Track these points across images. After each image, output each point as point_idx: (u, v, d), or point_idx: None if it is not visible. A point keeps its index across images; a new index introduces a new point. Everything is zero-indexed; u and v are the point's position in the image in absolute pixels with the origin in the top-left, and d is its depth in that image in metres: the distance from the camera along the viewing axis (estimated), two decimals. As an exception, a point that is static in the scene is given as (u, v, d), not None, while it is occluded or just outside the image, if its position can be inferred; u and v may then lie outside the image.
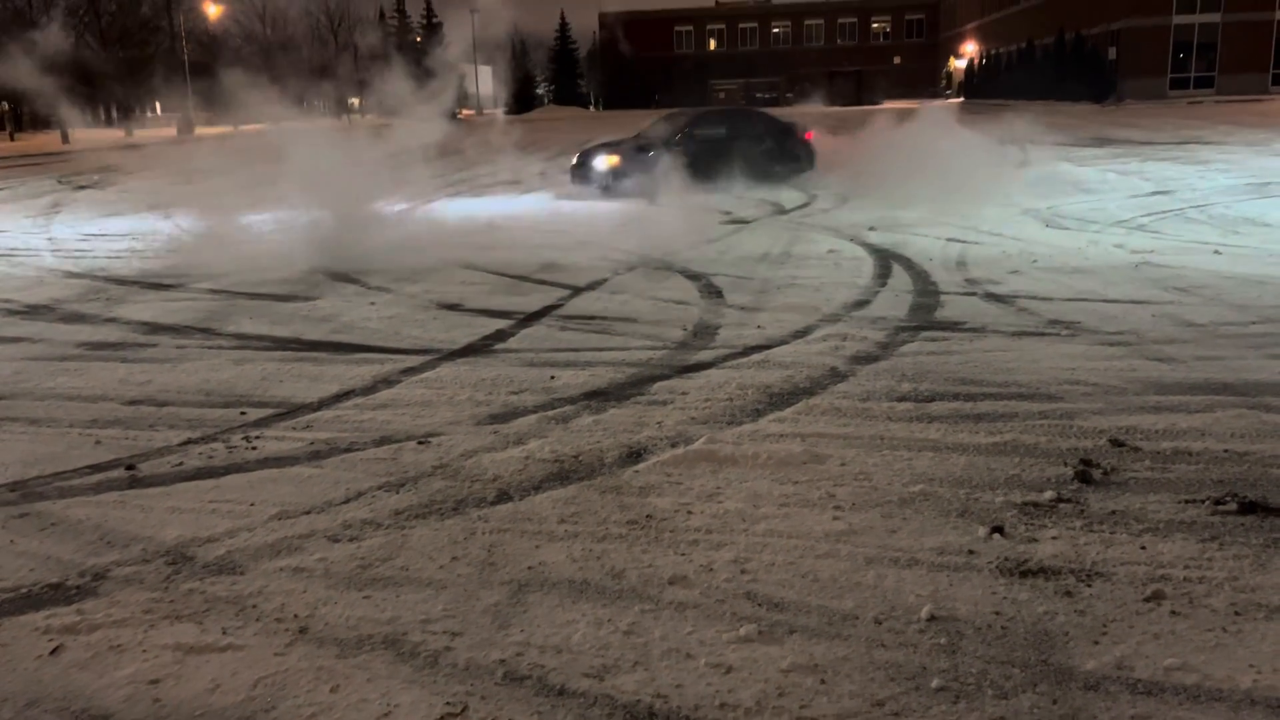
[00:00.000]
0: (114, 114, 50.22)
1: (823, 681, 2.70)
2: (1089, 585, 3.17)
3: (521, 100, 72.86)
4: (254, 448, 4.67)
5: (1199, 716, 2.52)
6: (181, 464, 4.49)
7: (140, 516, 3.91)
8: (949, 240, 10.21)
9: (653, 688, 2.70)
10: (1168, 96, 45.00)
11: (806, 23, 79.44)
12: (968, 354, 5.89)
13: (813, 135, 17.67)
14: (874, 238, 10.62)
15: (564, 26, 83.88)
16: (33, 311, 8.15)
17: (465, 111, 55.59)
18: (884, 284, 8.14)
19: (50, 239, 12.75)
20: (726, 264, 9.34)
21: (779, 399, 5.14)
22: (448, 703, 2.66)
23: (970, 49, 68.12)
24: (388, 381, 5.71)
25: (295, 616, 3.11)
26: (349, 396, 5.44)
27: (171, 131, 48.09)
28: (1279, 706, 2.54)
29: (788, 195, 15.25)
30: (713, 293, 8.01)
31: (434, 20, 71.04)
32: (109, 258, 10.95)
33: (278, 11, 58.95)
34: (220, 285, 8.92)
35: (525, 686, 2.72)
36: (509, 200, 16.08)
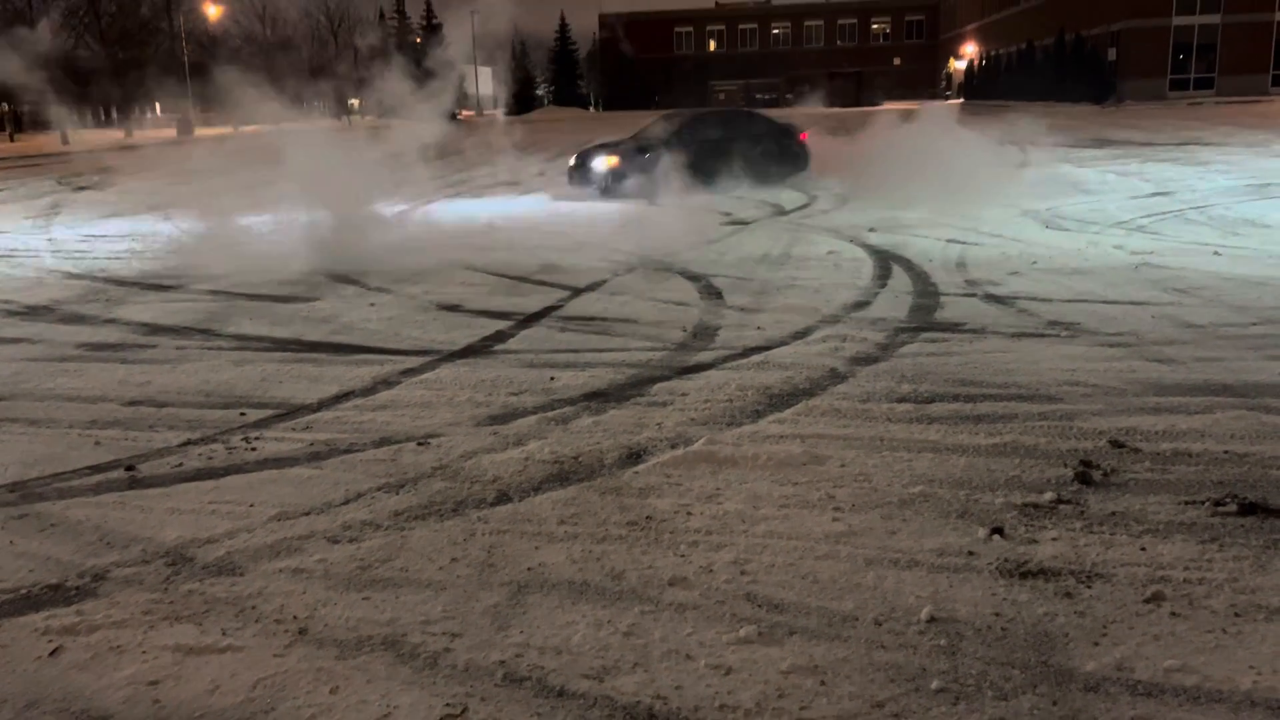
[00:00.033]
0: (113, 115, 50.23)
1: (822, 683, 2.70)
2: (1089, 586, 3.17)
3: (521, 101, 72.89)
4: (254, 449, 4.67)
5: (1199, 718, 2.52)
6: (181, 465, 4.49)
7: (140, 517, 3.91)
8: (949, 241, 10.22)
9: (652, 689, 2.70)
10: (1167, 98, 45.01)
11: (806, 24, 79.47)
12: (967, 355, 5.89)
13: (807, 136, 17.82)
14: (874, 239, 10.62)
15: (564, 27, 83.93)
16: (32, 312, 8.15)
17: (465, 112, 55.59)
18: (884, 285, 8.14)
19: (50, 240, 12.75)
20: (726, 265, 9.34)
21: (779, 400, 5.14)
22: (447, 704, 2.65)
23: (970, 50, 68.14)
24: (387, 382, 5.71)
25: (295, 618, 3.11)
26: (349, 397, 5.44)
27: (171, 132, 48.10)
28: (1279, 708, 2.54)
29: (787, 196, 15.26)
30: (712, 294, 8.01)
31: (434, 21, 71.03)
32: (109, 259, 10.95)
33: (277, 12, 59.01)
34: (220, 286, 8.92)
35: (525, 688, 2.72)
36: (508, 201, 16.09)
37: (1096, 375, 5.39)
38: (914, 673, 2.73)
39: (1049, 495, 3.84)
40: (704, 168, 15.74)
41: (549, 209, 14.84)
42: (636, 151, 16.11)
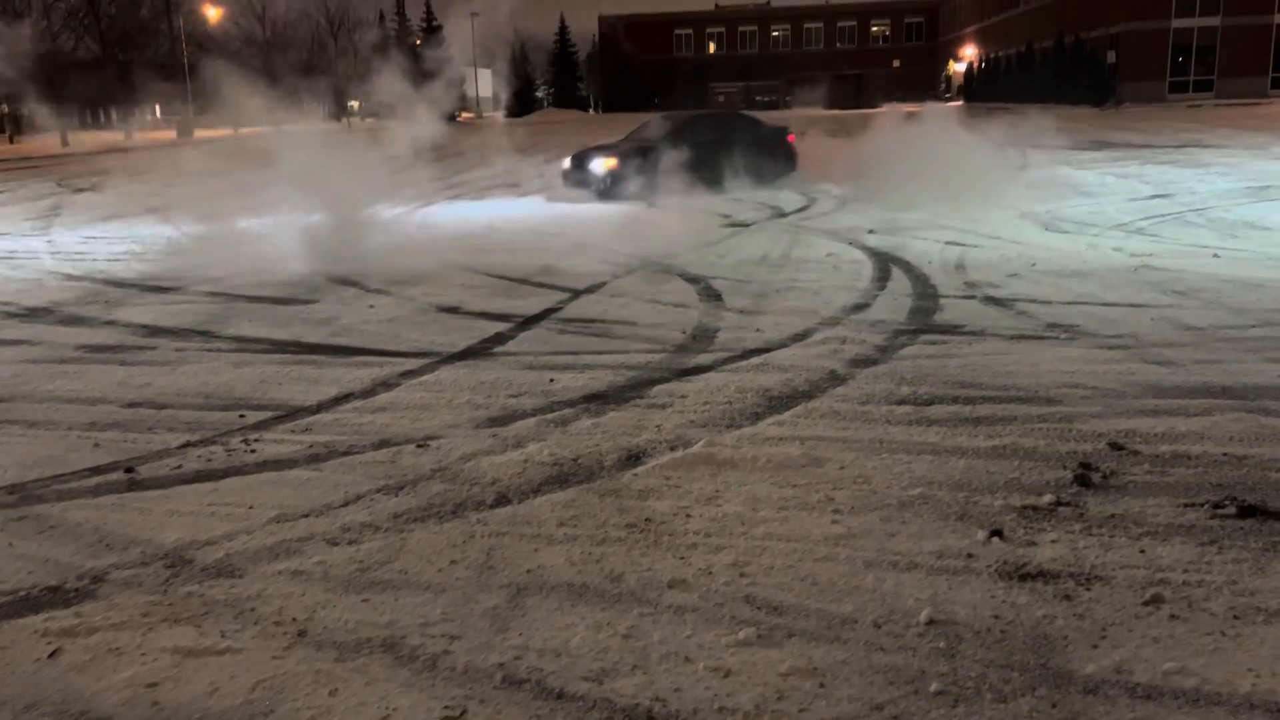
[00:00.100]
0: (113, 117, 50.25)
1: (822, 685, 2.70)
2: (1088, 589, 3.17)
3: (521, 103, 72.90)
4: (253, 451, 4.67)
5: (1198, 720, 2.52)
6: (180, 467, 4.49)
7: (139, 519, 3.91)
8: (948, 243, 10.22)
9: (651, 691, 2.70)
10: (1167, 100, 45.03)
11: (806, 26, 79.49)
12: (967, 357, 5.90)
13: (795, 138, 18.28)
14: (873, 241, 10.63)
15: (564, 29, 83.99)
16: (32, 314, 8.15)
17: (465, 114, 55.63)
18: (883, 287, 8.15)
19: (50, 242, 12.76)
20: (726, 267, 9.34)
21: (778, 402, 5.14)
22: (446, 706, 2.65)
23: (969, 52, 68.16)
24: (387, 384, 5.70)
25: (294, 620, 3.11)
26: (348, 399, 5.44)
27: (171, 134, 48.11)
28: (1278, 710, 2.54)
29: (786, 198, 15.27)
30: (712, 296, 8.01)
31: (434, 23, 71.07)
32: (108, 260, 10.95)
33: (277, 14, 59.01)
34: (219, 288, 8.92)
35: (524, 690, 2.72)
36: (507, 203, 16.10)
37: (1096, 377, 5.39)
38: (913, 675, 2.73)
39: (1048, 497, 3.84)
40: (697, 168, 15.89)
41: (548, 211, 14.84)
42: (633, 154, 16.17)
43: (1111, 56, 46.72)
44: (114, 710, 2.69)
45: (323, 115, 39.16)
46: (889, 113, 20.18)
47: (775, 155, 17.45)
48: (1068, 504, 3.80)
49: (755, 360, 5.98)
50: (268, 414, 5.22)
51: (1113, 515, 3.69)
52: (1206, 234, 10.41)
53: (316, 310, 7.89)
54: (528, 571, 3.40)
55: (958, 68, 70.69)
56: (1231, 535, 3.51)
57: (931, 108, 21.70)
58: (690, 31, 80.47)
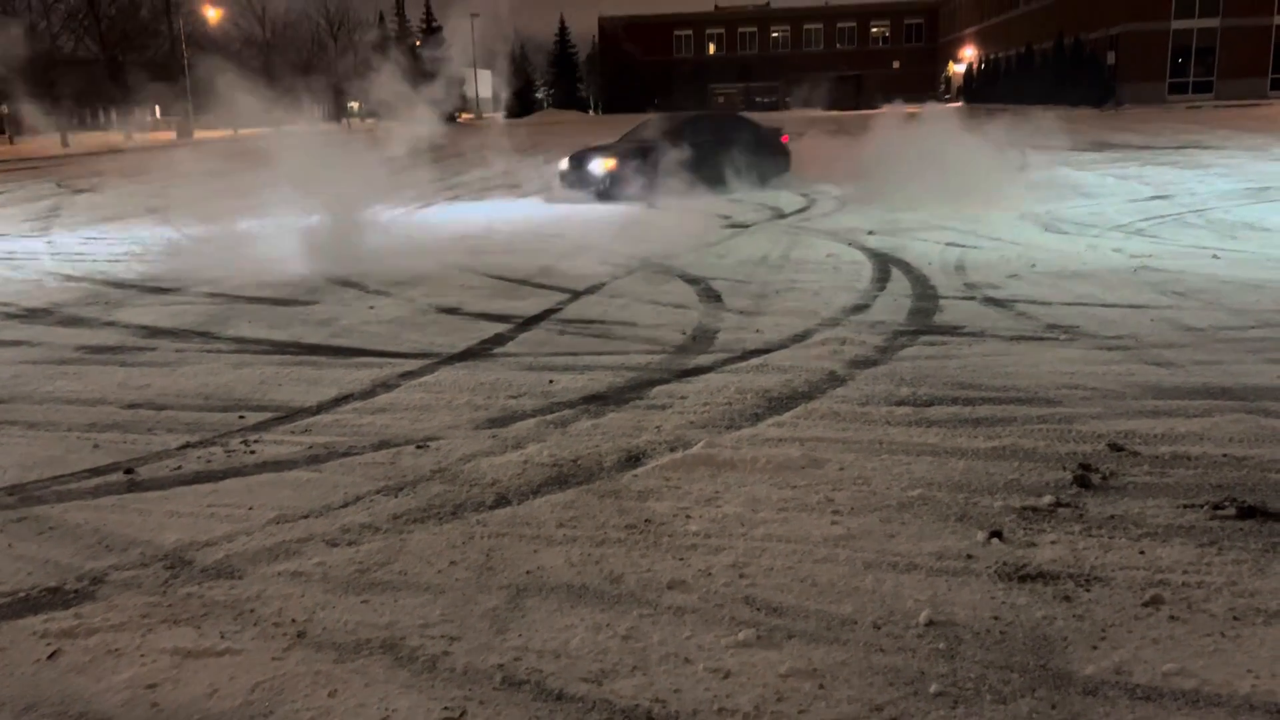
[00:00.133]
0: (113, 118, 50.25)
1: (821, 686, 2.70)
2: (1088, 590, 3.17)
3: (521, 104, 72.94)
4: (252, 452, 4.67)
5: (1197, 722, 2.52)
6: (180, 468, 4.49)
7: (138, 520, 3.91)
8: (948, 245, 10.22)
9: (651, 692, 2.70)
10: (1166, 101, 45.06)
11: (805, 27, 79.58)
12: (966, 358, 5.90)
13: (788, 138, 18.44)
14: (873, 242, 10.63)
15: (563, 30, 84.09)
16: (31, 315, 8.15)
17: (465, 115, 55.63)
18: (883, 288, 8.15)
19: (49, 242, 12.76)
20: (725, 268, 9.34)
21: (778, 403, 5.14)
22: (446, 707, 2.65)
23: (969, 53, 68.21)
24: (386, 385, 5.70)
25: (293, 621, 3.11)
26: (348, 400, 5.44)
27: (171, 135, 48.13)
28: (1278, 712, 2.54)
29: (786, 199, 15.27)
30: (711, 297, 8.01)
31: (434, 24, 71.10)
32: (108, 261, 10.95)
33: (277, 15, 59.05)
34: (219, 289, 8.92)
35: (523, 691, 2.72)
36: (507, 204, 16.11)
37: (1095, 378, 5.39)
38: (913, 676, 2.73)
39: (1048, 498, 3.84)
40: (693, 169, 16.00)
41: (547, 212, 14.85)
42: (631, 154, 16.22)
43: (1111, 57, 46.75)
44: (113, 711, 2.69)
45: (322, 116, 39.16)
46: (889, 113, 20.18)
47: (769, 156, 17.58)
48: (1067, 505, 3.80)
49: (755, 361, 5.98)
50: (267, 415, 5.22)
51: (1112, 516, 3.69)
52: (1206, 235, 10.42)
53: (316, 311, 7.89)
54: (527, 572, 3.40)
55: (957, 69, 70.74)
56: (1231, 536, 3.50)
57: (932, 108, 21.70)
58: (690, 32, 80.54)
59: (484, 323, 7.29)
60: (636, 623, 3.05)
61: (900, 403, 5.08)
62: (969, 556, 3.41)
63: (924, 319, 6.99)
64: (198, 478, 4.35)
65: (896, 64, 77.05)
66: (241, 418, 5.18)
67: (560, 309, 7.71)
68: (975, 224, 11.56)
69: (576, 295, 8.22)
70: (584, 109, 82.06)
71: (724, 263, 9.66)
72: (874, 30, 79.28)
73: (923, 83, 72.23)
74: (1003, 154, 16.87)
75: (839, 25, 79.11)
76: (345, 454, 4.59)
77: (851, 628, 2.98)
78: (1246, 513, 3.65)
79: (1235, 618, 2.98)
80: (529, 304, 7.91)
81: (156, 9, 51.50)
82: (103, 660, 2.93)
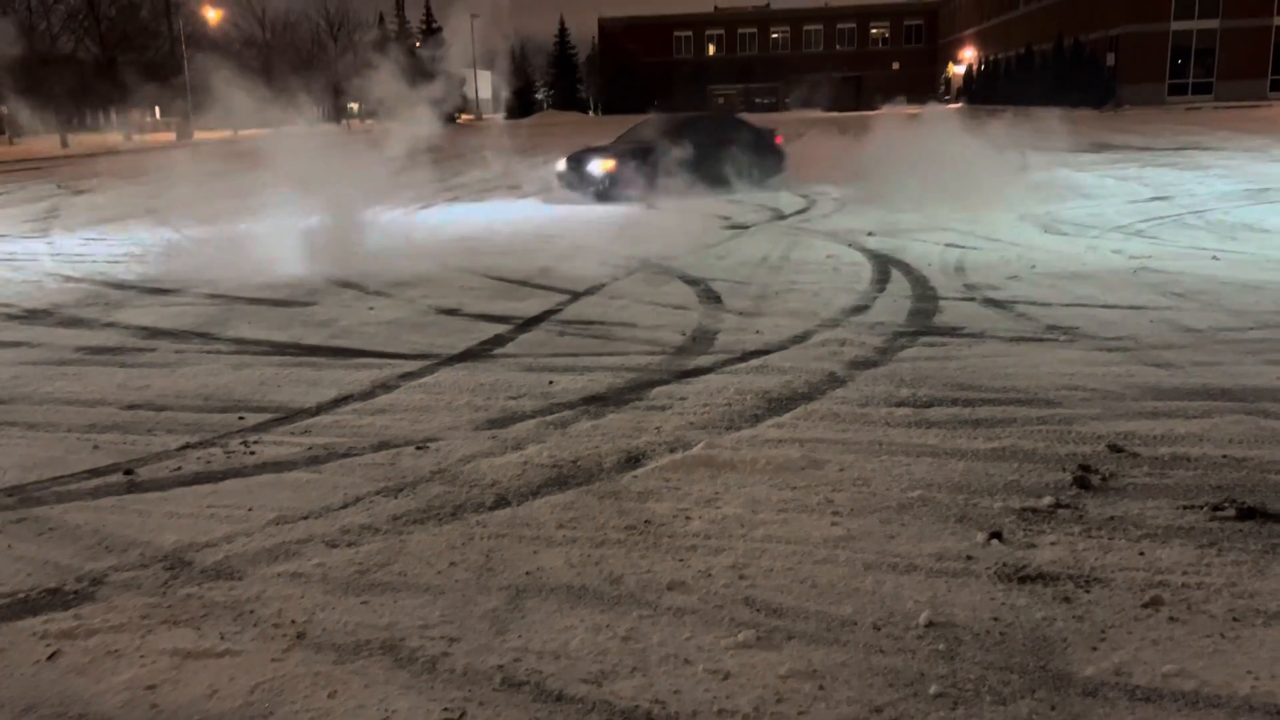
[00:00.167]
0: (113, 119, 50.27)
1: (821, 687, 2.70)
2: (1087, 591, 3.17)
3: (521, 104, 72.96)
4: (252, 453, 4.67)
5: (1197, 723, 2.52)
6: (180, 469, 4.49)
7: (138, 521, 3.90)
8: (948, 245, 10.22)
9: (651, 693, 2.70)
10: (1166, 102, 45.08)
11: (805, 28, 79.62)
12: (966, 359, 5.90)
13: (781, 139, 18.50)
14: (872, 243, 10.63)
15: (563, 31, 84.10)
16: (31, 316, 8.15)
17: (464, 116, 55.62)
18: (882, 289, 8.15)
19: (49, 243, 12.76)
20: (725, 269, 9.34)
21: (777, 404, 5.14)
22: (445, 708, 2.65)
23: (969, 54, 68.23)
24: (386, 386, 5.70)
25: (293, 622, 3.11)
26: (347, 401, 5.44)
27: (170, 136, 48.14)
28: (1277, 713, 2.54)
29: (786, 200, 15.28)
30: (711, 298, 8.01)
31: (434, 26, 71.11)
32: (108, 262, 10.95)
33: (277, 16, 59.07)
34: (219, 290, 8.92)
35: (523, 692, 2.72)
36: (507, 205, 16.11)
37: (1095, 380, 5.39)
38: (912, 677, 2.73)
39: (1047, 500, 3.84)
40: (689, 169, 16.08)
41: (546, 213, 14.85)
42: (629, 155, 16.26)
43: (1111, 59, 46.78)
44: (113, 712, 2.69)
45: (322, 117, 39.18)
46: (888, 114, 20.20)
47: (764, 156, 17.68)
48: (1067, 506, 3.80)
49: (755, 362, 5.98)
50: (267, 416, 5.22)
51: (1112, 517, 3.69)
52: (1205, 236, 10.42)
53: (316, 312, 7.89)
54: (527, 573, 3.40)
55: (957, 70, 70.76)
56: (1231, 537, 3.51)
57: (932, 109, 21.73)
58: (690, 34, 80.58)
59: (484, 324, 7.30)
60: (636, 624, 3.05)
61: (900, 404, 5.08)
62: (969, 558, 3.41)
63: (924, 320, 6.99)
64: (197, 479, 4.35)
65: (896, 65, 77.08)
66: (241, 419, 5.18)
67: (560, 310, 7.71)
68: (975, 225, 11.57)
69: (576, 296, 8.22)
70: (584, 110, 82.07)
71: (724, 264, 9.66)
72: (874, 31, 79.33)
73: (922, 84, 72.24)
74: (1002, 155, 16.87)
75: (839, 26, 79.15)
76: (345, 455, 4.59)
77: (851, 629, 2.98)
78: (1246, 514, 3.65)
79: (1235, 619, 2.98)
80: (529, 305, 7.91)
81: (156, 10, 51.53)
82: (102, 661, 2.93)
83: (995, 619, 3.02)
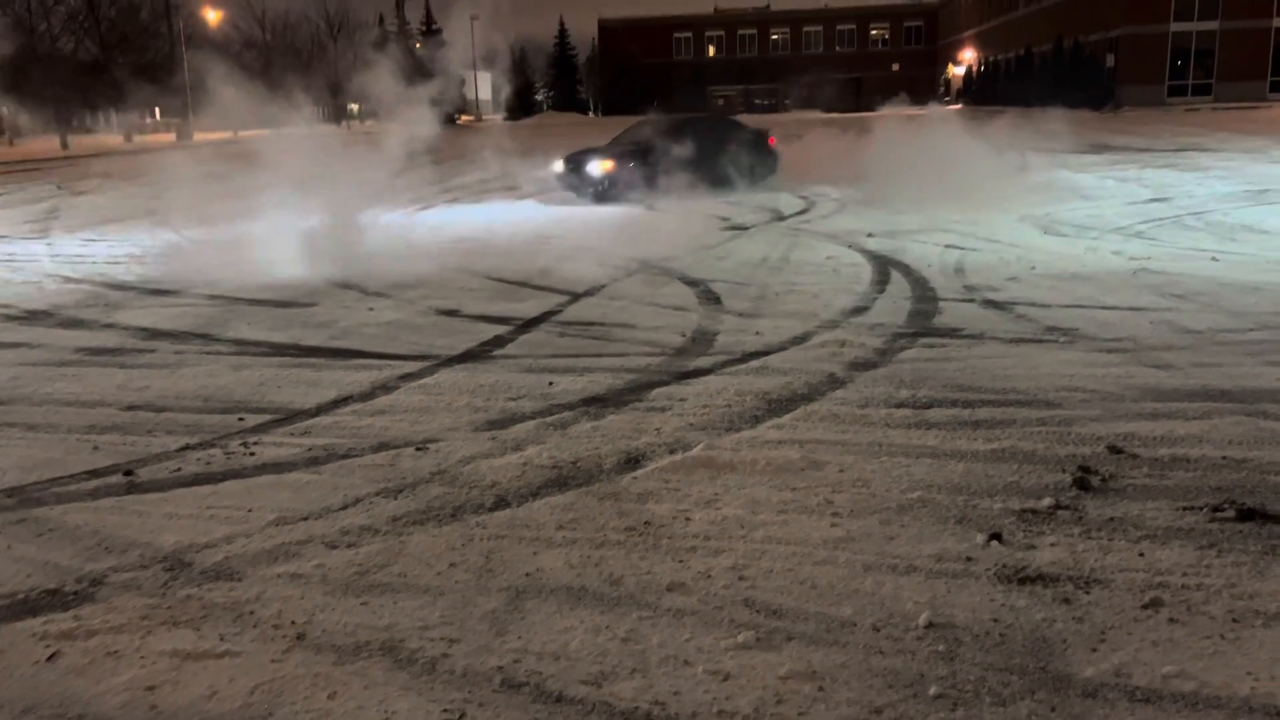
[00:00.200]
0: (113, 120, 50.28)
1: (821, 689, 2.70)
2: (1087, 592, 3.17)
3: (521, 105, 72.97)
4: (252, 453, 4.67)
5: (1197, 724, 2.52)
6: (179, 470, 4.48)
7: (138, 522, 3.90)
8: (947, 247, 10.23)
9: (650, 695, 2.70)
10: (1166, 103, 45.07)
11: (805, 29, 79.57)
12: (966, 361, 5.90)
13: (774, 140, 18.61)
14: (872, 244, 10.63)
15: (563, 33, 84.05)
16: (31, 317, 8.15)
17: (464, 117, 55.63)
18: (882, 290, 8.15)
19: (49, 244, 12.76)
20: (725, 270, 9.35)
21: (777, 405, 5.14)
22: (445, 710, 2.65)
23: (969, 56, 68.23)
24: (386, 387, 5.70)
25: (293, 623, 3.11)
26: (347, 402, 5.44)
27: (170, 137, 48.15)
28: (1277, 714, 2.54)
29: (785, 201, 15.28)
30: (711, 299, 8.02)
31: (434, 27, 71.13)
32: (108, 263, 10.96)
33: (277, 17, 59.09)
34: (218, 291, 8.93)
35: (523, 693, 2.72)
36: (506, 206, 16.12)
37: (1094, 381, 5.39)
38: (912, 679, 2.73)
39: (1047, 501, 3.84)
40: (686, 170, 16.14)
41: (546, 213, 14.85)
42: (628, 156, 16.31)
43: (1110, 60, 46.79)
44: (112, 713, 2.69)
45: (321, 118, 39.18)
46: (889, 116, 20.22)
47: (757, 157, 17.80)
48: (1067, 507, 3.80)
49: (754, 363, 5.98)
50: (267, 417, 5.22)
51: (1112, 519, 3.69)
52: (1205, 237, 10.42)
53: (315, 313, 7.89)
54: (527, 574, 3.40)
55: (957, 71, 70.75)
56: (1230, 538, 3.51)
57: (932, 110, 21.74)
58: (689, 35, 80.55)
59: (483, 325, 7.30)
60: (636, 625, 3.05)
61: (900, 405, 5.08)
62: (968, 559, 3.41)
63: (923, 321, 6.99)
64: (197, 480, 4.35)
65: (896, 66, 77.04)
66: (241, 420, 5.18)
67: (560, 311, 7.71)
68: (974, 226, 11.57)
69: (576, 297, 8.22)
70: (584, 111, 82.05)
71: (723, 265, 9.66)
72: (873, 32, 79.29)
73: (922, 85, 72.19)
74: (1002, 156, 16.89)
75: (838, 28, 79.12)
76: (345, 456, 4.59)
77: (851, 630, 2.98)
78: (1245, 515, 3.65)
79: (1234, 620, 2.98)
80: (528, 306, 7.91)
81: (156, 11, 51.51)
82: (102, 662, 2.93)
83: (995, 620, 3.02)
